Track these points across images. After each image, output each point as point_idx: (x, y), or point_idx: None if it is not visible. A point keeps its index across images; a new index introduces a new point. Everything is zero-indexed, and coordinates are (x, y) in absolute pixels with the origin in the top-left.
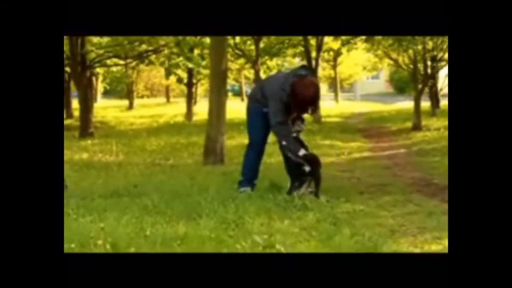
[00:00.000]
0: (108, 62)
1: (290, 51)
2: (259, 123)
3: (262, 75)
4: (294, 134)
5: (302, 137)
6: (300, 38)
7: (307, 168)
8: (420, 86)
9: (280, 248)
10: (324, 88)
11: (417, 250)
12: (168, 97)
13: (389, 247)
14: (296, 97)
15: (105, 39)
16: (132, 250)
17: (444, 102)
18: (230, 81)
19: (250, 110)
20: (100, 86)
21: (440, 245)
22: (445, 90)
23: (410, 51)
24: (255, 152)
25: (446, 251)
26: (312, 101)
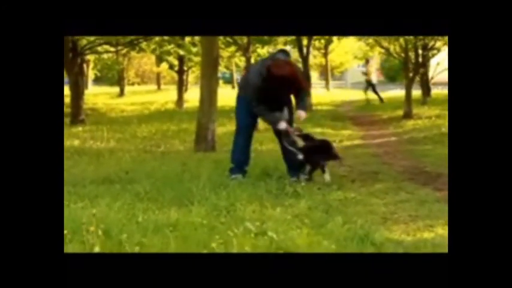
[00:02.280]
0: (99, 48)
1: (281, 39)
2: (245, 109)
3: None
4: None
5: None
6: None
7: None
8: (411, 74)
9: (273, 235)
10: (314, 76)
11: (409, 238)
12: (159, 84)
13: (382, 235)
14: (272, 78)
15: None
16: (124, 236)
17: (435, 91)
18: (221, 69)
19: (237, 97)
20: (91, 73)
21: (432, 233)
22: (436, 79)
23: (402, 40)
24: (243, 136)
25: (439, 238)
26: (289, 79)
